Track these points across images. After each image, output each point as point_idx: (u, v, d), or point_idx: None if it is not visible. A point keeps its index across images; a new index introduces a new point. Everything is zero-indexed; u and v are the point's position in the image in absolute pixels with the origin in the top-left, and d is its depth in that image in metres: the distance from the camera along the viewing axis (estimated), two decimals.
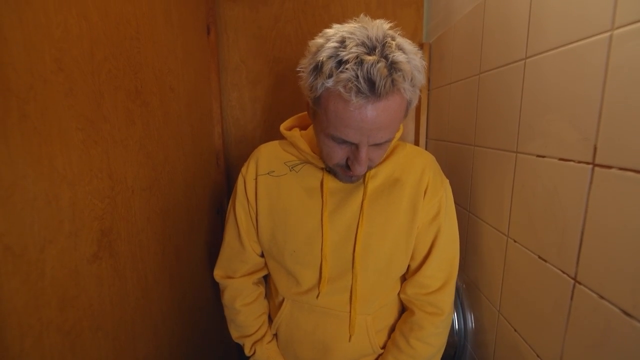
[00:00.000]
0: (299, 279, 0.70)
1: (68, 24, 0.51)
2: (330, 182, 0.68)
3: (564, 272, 0.50)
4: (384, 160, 0.68)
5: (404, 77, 0.48)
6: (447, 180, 0.71)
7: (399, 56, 0.48)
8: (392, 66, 0.47)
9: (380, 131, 0.52)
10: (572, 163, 0.48)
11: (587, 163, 0.45)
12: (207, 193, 1.15)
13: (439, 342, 0.71)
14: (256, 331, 0.78)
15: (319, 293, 0.69)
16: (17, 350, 0.43)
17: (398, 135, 0.67)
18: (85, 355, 0.55)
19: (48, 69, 0.48)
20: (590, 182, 0.45)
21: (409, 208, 0.67)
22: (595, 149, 0.44)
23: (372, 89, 0.47)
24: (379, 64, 0.46)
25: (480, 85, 0.77)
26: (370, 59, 0.46)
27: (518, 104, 0.61)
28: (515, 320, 0.64)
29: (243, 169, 0.75)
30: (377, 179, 0.68)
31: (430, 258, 0.68)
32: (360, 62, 0.46)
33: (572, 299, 0.48)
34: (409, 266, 0.72)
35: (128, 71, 0.68)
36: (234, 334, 0.80)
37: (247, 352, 0.78)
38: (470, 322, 0.85)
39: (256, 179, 0.72)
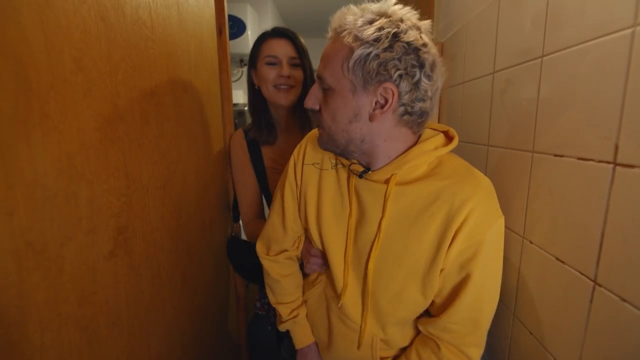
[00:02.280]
0: (331, 279, 0.70)
1: (87, 25, 0.52)
2: (356, 189, 0.65)
3: (582, 274, 0.49)
4: (418, 178, 0.60)
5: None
6: (502, 219, 0.59)
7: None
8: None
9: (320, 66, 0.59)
10: (591, 162, 0.47)
11: (608, 162, 0.44)
12: (218, 192, 1.16)
13: None
14: (295, 299, 0.81)
15: (340, 302, 0.68)
16: (38, 344, 0.44)
17: (449, 147, 0.60)
18: (101, 351, 0.56)
19: (68, 69, 0.49)
20: (611, 182, 0.44)
21: (434, 242, 0.58)
22: (616, 147, 0.43)
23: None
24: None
25: (494, 84, 0.76)
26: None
27: (534, 103, 0.60)
28: (531, 324, 0.63)
29: (295, 152, 0.74)
30: (405, 197, 0.60)
31: (455, 305, 0.59)
32: None
33: (591, 301, 0.47)
34: (433, 301, 0.64)
35: (143, 71, 0.69)
36: (272, 300, 0.82)
37: (285, 316, 0.79)
38: None
39: (302, 167, 0.71)
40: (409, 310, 0.64)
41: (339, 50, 0.54)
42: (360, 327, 0.68)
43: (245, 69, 2.40)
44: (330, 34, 0.58)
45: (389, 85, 0.52)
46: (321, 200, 0.68)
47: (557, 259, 0.55)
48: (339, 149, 0.61)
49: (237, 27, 2.16)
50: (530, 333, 0.62)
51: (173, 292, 0.82)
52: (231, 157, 1.09)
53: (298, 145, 0.75)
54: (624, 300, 0.42)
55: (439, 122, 1.16)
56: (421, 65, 0.52)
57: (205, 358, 1.04)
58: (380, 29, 0.51)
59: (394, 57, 0.51)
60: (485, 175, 0.81)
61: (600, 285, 0.46)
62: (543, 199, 0.58)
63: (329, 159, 0.69)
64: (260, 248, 0.82)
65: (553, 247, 0.56)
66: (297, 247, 0.81)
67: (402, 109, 0.55)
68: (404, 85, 0.53)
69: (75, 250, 0.50)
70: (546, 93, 0.57)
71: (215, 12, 1.14)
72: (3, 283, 0.40)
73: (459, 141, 0.98)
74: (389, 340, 0.68)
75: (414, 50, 0.51)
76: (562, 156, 0.53)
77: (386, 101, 0.54)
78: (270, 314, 1.15)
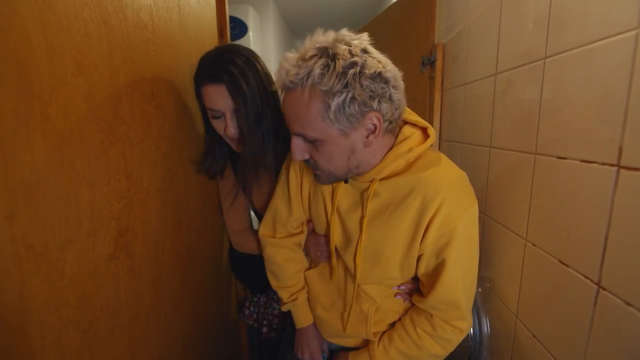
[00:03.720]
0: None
1: (88, 28, 0.52)
2: (342, 188, 0.71)
3: (586, 277, 0.48)
4: (396, 173, 0.65)
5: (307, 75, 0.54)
6: (474, 206, 0.64)
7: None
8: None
9: (289, 123, 0.60)
10: (595, 165, 0.47)
11: (612, 165, 0.44)
12: (219, 194, 1.16)
13: (450, 347, 0.72)
14: (295, 283, 0.85)
15: (330, 277, 0.78)
16: (39, 347, 0.44)
17: (423, 146, 0.63)
18: (102, 354, 0.56)
19: (69, 72, 0.49)
20: (615, 185, 0.43)
21: (410, 230, 0.64)
22: (620, 150, 0.43)
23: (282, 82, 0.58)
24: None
25: (496, 86, 0.76)
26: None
27: (537, 105, 0.60)
28: (534, 326, 0.62)
29: None
30: (382, 193, 0.66)
31: (434, 291, 0.66)
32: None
33: (595, 305, 0.47)
34: (421, 281, 0.72)
35: (144, 74, 0.69)
36: (273, 283, 0.87)
37: (285, 299, 0.85)
38: (486, 327, 0.83)
39: (288, 169, 0.79)
40: (389, 291, 0.74)
41: (309, 107, 0.56)
42: (351, 307, 0.75)
43: None
44: (281, 91, 0.60)
45: (373, 114, 0.57)
46: (318, 190, 0.75)
47: (560, 261, 0.54)
48: (338, 180, 0.68)
49: (239, 29, 2.16)
50: (533, 336, 0.62)
51: (174, 295, 0.82)
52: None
53: None
54: (629, 304, 0.41)
55: (440, 125, 1.16)
56: (387, 83, 0.56)
57: None
58: (343, 74, 0.53)
59: (369, 92, 0.54)
60: (488, 177, 0.81)
61: (604, 289, 0.45)
62: (546, 201, 0.58)
63: None
64: (265, 231, 0.85)
65: (556, 250, 0.55)
66: (302, 231, 0.84)
67: (386, 123, 0.60)
68: (385, 107, 0.57)
69: (76, 252, 0.50)
70: (549, 95, 0.57)
71: (217, 13, 1.14)
72: (4, 286, 0.39)
73: (461, 142, 0.98)
74: (380, 310, 0.76)
75: (378, 75, 0.55)
76: (565, 158, 0.53)
77: (375, 127, 0.58)
78: (261, 322, 1.11)
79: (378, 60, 0.56)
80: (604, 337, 0.46)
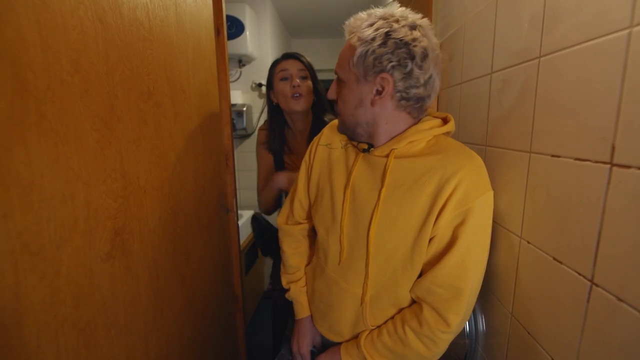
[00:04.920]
0: (325, 246, 0.78)
1: (84, 26, 0.52)
2: (360, 164, 0.72)
3: (580, 274, 0.49)
4: (415, 154, 0.67)
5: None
6: (491, 193, 0.64)
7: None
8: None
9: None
10: (588, 163, 0.47)
11: (605, 163, 0.44)
12: (216, 193, 1.16)
13: (435, 349, 0.68)
14: (294, 273, 0.89)
15: (340, 261, 0.75)
16: (34, 346, 0.44)
17: (443, 128, 0.67)
18: (98, 353, 0.56)
19: (64, 70, 0.48)
20: (608, 182, 0.44)
21: (425, 209, 0.64)
22: (613, 148, 0.43)
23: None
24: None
25: (492, 85, 0.76)
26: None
27: (532, 103, 0.60)
28: (528, 323, 0.63)
29: (315, 137, 0.85)
30: (399, 170, 0.67)
31: (439, 266, 0.64)
32: None
33: (588, 301, 0.47)
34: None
35: (141, 72, 0.69)
36: (281, 269, 0.93)
37: (284, 285, 0.91)
38: (482, 325, 0.84)
39: (317, 147, 0.82)
40: (400, 270, 0.69)
41: (347, 50, 0.65)
42: (363, 289, 0.73)
43: (243, 69, 2.40)
44: (346, 37, 0.68)
45: (384, 75, 0.61)
46: (330, 174, 0.77)
47: (554, 258, 0.55)
48: (349, 131, 0.72)
49: (236, 28, 2.15)
50: (528, 333, 0.62)
51: (171, 294, 0.82)
52: (257, 145, 1.26)
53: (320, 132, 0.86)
54: (621, 300, 0.42)
55: None
56: (412, 57, 0.60)
57: (203, 359, 1.03)
58: (377, 29, 0.61)
59: (387, 52, 0.60)
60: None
61: (597, 285, 0.46)
62: (540, 199, 0.59)
63: (339, 141, 0.79)
64: (280, 219, 0.93)
65: (550, 247, 0.56)
66: (307, 221, 0.90)
67: (398, 95, 0.63)
68: (397, 75, 0.61)
69: (72, 252, 0.50)
70: (543, 93, 0.57)
71: (213, 12, 1.14)
72: None
73: (458, 141, 0.98)
74: (378, 304, 0.73)
75: (404, 44, 0.60)
76: (559, 156, 0.54)
77: (383, 88, 0.63)
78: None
79: (414, 38, 0.60)
80: (597, 333, 0.46)
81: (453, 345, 0.90)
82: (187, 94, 0.91)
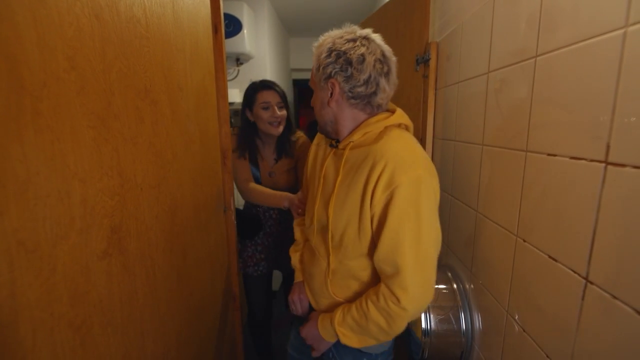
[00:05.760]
0: (308, 224, 0.93)
1: (80, 22, 0.52)
2: (331, 157, 0.86)
3: (575, 272, 0.49)
4: (364, 144, 0.77)
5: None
6: (420, 171, 0.69)
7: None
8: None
9: None
10: (583, 161, 0.48)
11: (600, 161, 0.45)
12: (214, 192, 1.16)
13: (392, 324, 0.73)
14: (297, 245, 1.06)
15: (314, 236, 0.89)
16: (30, 344, 0.44)
17: (389, 120, 0.77)
18: (95, 351, 0.56)
19: (61, 67, 0.48)
20: (603, 181, 0.44)
21: (362, 191, 0.73)
22: (608, 147, 0.44)
23: None
24: None
25: (489, 84, 0.76)
26: None
27: (528, 102, 0.61)
28: (524, 321, 0.63)
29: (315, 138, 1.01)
30: (350, 159, 0.79)
31: (379, 243, 0.72)
32: None
33: (583, 299, 0.48)
34: None
35: (138, 70, 0.68)
36: (291, 248, 1.08)
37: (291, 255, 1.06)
38: (478, 323, 0.85)
39: (312, 147, 0.99)
40: (350, 247, 0.79)
41: (313, 66, 0.83)
42: (327, 261, 0.85)
43: (241, 67, 2.39)
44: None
45: (332, 80, 0.77)
46: (312, 168, 0.95)
47: (549, 257, 0.55)
48: (322, 130, 0.87)
49: (234, 26, 2.15)
50: (524, 330, 0.63)
51: (168, 292, 0.82)
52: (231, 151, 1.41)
53: None
54: (615, 297, 0.42)
55: (434, 123, 1.17)
56: (350, 63, 0.74)
57: (201, 358, 1.03)
58: (324, 46, 0.77)
59: (331, 62, 0.75)
60: (480, 174, 0.82)
61: (591, 283, 0.46)
62: (536, 197, 0.59)
63: (325, 140, 0.93)
64: (295, 222, 1.11)
65: (546, 246, 0.56)
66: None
67: (347, 95, 0.77)
68: (340, 78, 0.75)
69: (68, 249, 0.50)
70: (540, 93, 0.58)
71: (211, 10, 1.13)
72: None
73: (454, 140, 0.99)
74: (337, 276, 0.84)
75: (343, 53, 0.74)
76: (555, 155, 0.54)
77: (333, 90, 0.77)
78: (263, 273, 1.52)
79: (350, 47, 0.74)
80: (592, 330, 0.47)
81: (449, 343, 0.90)
82: (184, 92, 0.91)
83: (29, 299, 0.44)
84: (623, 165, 0.41)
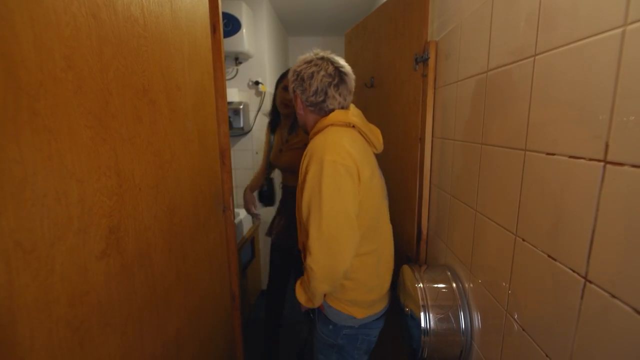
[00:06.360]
0: None
1: (77, 22, 0.52)
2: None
3: (574, 271, 0.49)
4: (311, 138, 0.99)
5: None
6: (324, 157, 0.87)
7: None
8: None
9: None
10: (582, 161, 0.48)
11: (599, 160, 0.45)
12: (213, 191, 1.15)
13: (311, 281, 0.89)
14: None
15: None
16: (28, 345, 0.44)
17: (326, 120, 0.97)
18: (94, 351, 0.56)
19: (58, 67, 0.48)
20: (602, 180, 0.44)
21: (302, 175, 0.93)
22: (607, 146, 0.43)
23: None
24: None
25: (488, 83, 0.76)
26: None
27: (527, 102, 0.61)
28: (523, 320, 0.63)
29: None
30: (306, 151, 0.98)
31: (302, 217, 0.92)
32: None
33: (582, 298, 0.48)
34: None
35: (136, 69, 0.68)
36: None
37: None
38: (477, 322, 0.85)
39: None
40: (302, 221, 0.94)
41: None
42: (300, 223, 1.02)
43: (240, 66, 2.39)
44: None
45: (296, 93, 1.02)
46: None
47: (548, 256, 0.55)
48: (302, 129, 1.12)
49: (232, 25, 2.14)
50: (523, 329, 0.63)
51: (167, 292, 0.82)
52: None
53: None
54: (614, 296, 0.42)
55: (433, 122, 1.17)
56: (303, 80, 0.99)
57: (200, 358, 1.03)
58: (292, 70, 1.02)
59: (294, 80, 1.01)
60: (479, 173, 0.82)
61: (590, 282, 0.46)
62: (535, 196, 0.59)
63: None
64: None
65: (545, 245, 0.56)
66: None
67: (305, 103, 1.01)
68: (299, 91, 1.01)
69: (66, 250, 0.50)
70: (538, 92, 0.58)
71: (210, 9, 1.13)
72: None
73: (453, 139, 0.99)
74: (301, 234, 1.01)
75: (299, 73, 0.99)
76: (553, 154, 0.54)
77: (297, 100, 1.03)
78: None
79: (304, 68, 0.98)
80: (591, 329, 0.47)
81: (449, 342, 0.90)
82: (182, 92, 0.91)
83: (26, 300, 0.43)
84: (622, 164, 0.41)
